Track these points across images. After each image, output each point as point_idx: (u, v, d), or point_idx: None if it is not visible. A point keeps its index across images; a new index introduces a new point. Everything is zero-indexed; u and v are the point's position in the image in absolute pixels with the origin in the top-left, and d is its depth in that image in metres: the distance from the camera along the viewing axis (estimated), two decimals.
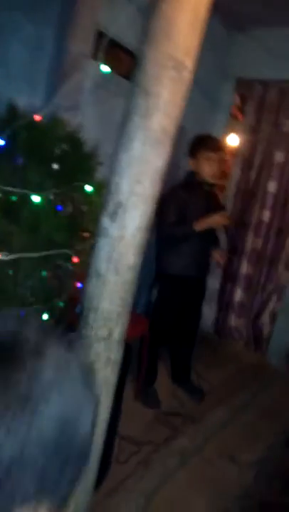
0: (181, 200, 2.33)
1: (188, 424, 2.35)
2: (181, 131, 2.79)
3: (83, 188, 1.73)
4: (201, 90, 3.37)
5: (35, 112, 1.79)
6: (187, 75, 1.08)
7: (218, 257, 2.58)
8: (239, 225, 3.28)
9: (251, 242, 3.41)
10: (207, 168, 2.34)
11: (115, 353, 1.18)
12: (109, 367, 1.17)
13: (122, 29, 2.42)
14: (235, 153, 3.64)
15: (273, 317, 3.35)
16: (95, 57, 2.46)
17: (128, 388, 2.52)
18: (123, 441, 2.11)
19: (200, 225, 2.28)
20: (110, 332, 1.15)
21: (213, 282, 3.55)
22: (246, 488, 2.17)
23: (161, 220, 2.29)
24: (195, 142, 2.40)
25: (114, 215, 1.10)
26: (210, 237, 2.49)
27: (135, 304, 3.19)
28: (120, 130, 1.10)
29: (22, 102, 1.84)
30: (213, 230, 2.50)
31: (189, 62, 1.07)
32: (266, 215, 3.33)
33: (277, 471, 2.33)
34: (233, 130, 3.77)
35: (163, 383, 2.67)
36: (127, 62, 2.73)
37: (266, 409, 2.72)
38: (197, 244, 2.39)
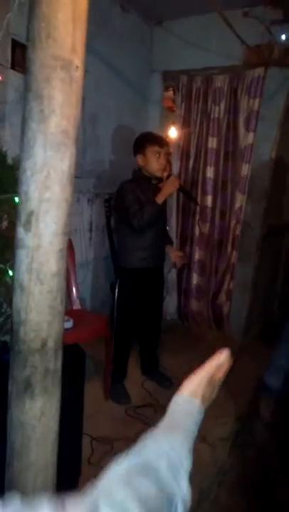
0: (135, 192, 2.32)
1: (160, 414, 2.32)
2: (120, 129, 2.72)
3: (12, 199, 1.66)
4: (131, 86, 3.34)
5: None
6: (78, 74, 1.03)
7: (176, 258, 2.62)
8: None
9: (198, 227, 3.41)
10: (155, 163, 2.33)
11: (53, 362, 1.13)
12: (48, 377, 1.12)
13: None
14: (173, 144, 3.63)
15: (229, 295, 3.38)
16: (13, 66, 2.37)
17: (98, 388, 2.48)
18: (95, 442, 2.07)
19: (159, 198, 2.26)
20: (44, 343, 1.09)
21: (171, 272, 3.54)
22: (222, 464, 2.18)
23: (124, 213, 2.29)
24: (141, 139, 2.39)
25: (27, 225, 1.04)
26: (162, 228, 2.49)
27: (96, 305, 3.12)
28: (20, 138, 1.03)
29: None
30: (163, 221, 2.50)
31: (78, 60, 1.02)
32: (208, 200, 3.34)
33: (247, 442, 2.35)
34: (169, 123, 3.75)
35: (132, 377, 2.64)
36: None
37: (231, 384, 2.73)
38: (152, 237, 2.39)
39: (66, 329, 2.20)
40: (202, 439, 2.19)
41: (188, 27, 3.29)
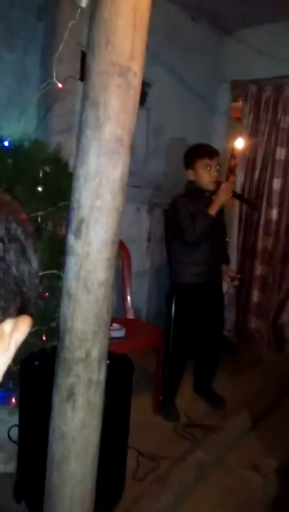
0: (188, 206, 2.27)
1: (209, 434, 2.21)
2: (184, 141, 2.69)
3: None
4: (198, 97, 3.30)
5: (26, 138, 1.77)
6: (135, 80, 1.01)
7: (229, 280, 2.53)
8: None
9: (262, 241, 3.25)
10: (206, 176, 2.27)
11: (97, 373, 1.10)
12: (91, 388, 1.09)
13: None
14: (239, 154, 3.52)
15: None
16: (82, 78, 2.45)
17: (148, 401, 2.42)
18: (141, 456, 2.01)
19: (212, 209, 2.19)
20: (88, 352, 1.07)
21: (229, 287, 3.41)
22: (273, 497, 2.01)
23: (177, 228, 2.25)
24: (190, 153, 2.35)
25: (77, 232, 1.03)
26: (218, 242, 2.40)
27: (151, 315, 3.08)
28: (76, 145, 1.03)
29: (14, 128, 1.83)
30: (220, 234, 2.42)
31: (136, 67, 1.00)
32: (274, 213, 3.18)
33: None
34: (235, 133, 3.66)
35: (184, 394, 2.55)
36: None
37: None
38: (207, 251, 2.31)
39: (118, 338, 2.20)
40: (254, 468, 2.04)
41: (259, 36, 3.19)
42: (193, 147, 2.36)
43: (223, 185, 2.22)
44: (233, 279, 2.55)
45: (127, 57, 0.98)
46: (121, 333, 2.18)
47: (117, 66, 0.96)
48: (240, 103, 3.45)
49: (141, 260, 3.05)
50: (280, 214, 3.16)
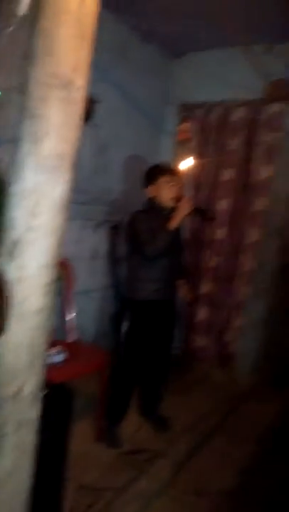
0: (148, 221, 2.24)
1: (153, 460, 2.13)
2: (132, 159, 2.66)
3: None
4: (147, 117, 3.31)
5: None
6: (79, 94, 0.94)
7: (185, 294, 2.52)
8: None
9: (208, 260, 3.28)
10: (167, 193, 2.27)
11: (30, 411, 0.99)
12: (23, 428, 0.98)
13: None
14: (186, 175, 3.57)
15: (238, 333, 3.20)
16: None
17: (90, 427, 2.30)
18: (82, 490, 1.89)
19: (172, 224, 2.17)
20: (20, 388, 0.96)
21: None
22: None
23: (138, 242, 2.20)
24: (152, 170, 2.35)
25: (11, 254, 0.94)
26: (176, 259, 2.38)
27: (99, 335, 2.98)
28: (10, 159, 0.94)
29: None
30: (178, 251, 2.41)
31: (80, 81, 0.94)
32: (220, 232, 3.22)
33: (252, 496, 2.13)
34: (183, 154, 3.70)
35: (128, 418, 2.46)
36: None
37: (236, 431, 2.54)
38: (165, 267, 2.28)
39: (57, 363, 2.08)
40: (199, 492, 1.98)
41: (208, 60, 3.28)
42: (154, 165, 2.39)
43: (183, 200, 2.22)
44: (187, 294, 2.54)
45: (70, 70, 0.91)
46: (60, 358, 2.07)
47: (58, 78, 0.90)
48: (187, 125, 3.51)
49: (86, 279, 2.95)
50: (227, 232, 3.21)
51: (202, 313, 3.34)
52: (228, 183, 3.19)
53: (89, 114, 2.83)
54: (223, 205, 3.21)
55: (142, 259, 2.22)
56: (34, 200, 0.92)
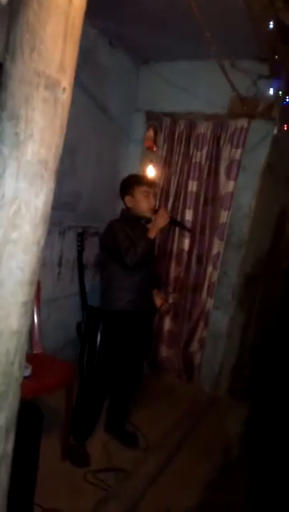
0: (125, 230, 2.18)
1: (121, 480, 2.04)
2: (99, 163, 2.58)
3: None
4: (114, 122, 3.25)
5: None
6: (65, 96, 0.86)
7: (160, 301, 2.43)
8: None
9: (174, 270, 3.26)
10: (145, 203, 2.24)
11: (3, 444, 0.89)
12: None
13: None
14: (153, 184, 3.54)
15: (202, 344, 3.19)
16: None
17: (56, 445, 2.17)
18: None
19: (151, 233, 2.14)
20: None
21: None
22: None
23: (116, 251, 2.12)
24: (129, 180, 2.31)
25: None
26: (151, 269, 2.32)
27: (59, 346, 2.84)
28: None
29: None
30: (152, 261, 2.35)
31: (66, 82, 0.86)
32: (186, 243, 3.21)
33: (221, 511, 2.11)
34: (149, 162, 3.67)
35: (95, 434, 2.35)
36: None
37: (201, 445, 2.51)
38: (141, 277, 2.22)
39: (23, 377, 1.94)
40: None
41: (175, 70, 3.28)
42: (131, 175, 2.37)
43: (161, 211, 2.20)
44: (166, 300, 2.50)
45: (56, 69, 0.83)
46: (27, 372, 1.93)
47: (43, 77, 0.81)
48: (152, 132, 3.48)
49: (51, 287, 2.82)
50: (191, 244, 3.20)
51: (167, 324, 3.30)
52: (193, 194, 3.20)
53: None
54: (188, 215, 3.21)
55: (121, 268, 2.15)
56: (14, 209, 0.82)
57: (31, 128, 0.81)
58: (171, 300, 3.23)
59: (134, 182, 2.27)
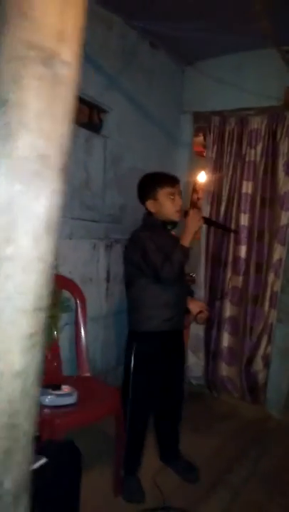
0: (153, 240, 1.92)
1: None
2: (145, 172, 2.43)
3: None
4: (159, 127, 3.07)
5: None
6: (68, 72, 0.68)
7: (198, 309, 2.13)
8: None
9: (230, 280, 2.97)
10: (171, 206, 1.96)
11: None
12: None
13: None
14: (203, 189, 3.30)
15: (267, 361, 2.86)
16: None
17: (106, 480, 1.98)
18: None
19: (186, 240, 1.87)
20: None
21: (197, 328, 3.08)
22: None
23: (145, 266, 1.89)
24: (149, 182, 2.02)
25: None
26: (184, 280, 2.07)
27: (109, 368, 2.67)
28: None
29: None
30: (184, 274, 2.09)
31: (68, 53, 0.67)
32: (242, 250, 2.92)
33: None
34: (199, 166, 3.44)
35: (149, 465, 2.12)
36: None
37: (271, 479, 2.18)
38: (177, 291, 1.97)
39: (68, 406, 1.78)
40: None
41: (222, 66, 3.05)
42: (150, 175, 2.05)
43: (191, 213, 1.91)
44: (203, 310, 2.17)
45: (53, 39, 0.65)
46: (72, 399, 1.76)
47: (37, 49, 0.64)
48: (202, 138, 3.26)
49: (99, 303, 2.66)
50: (248, 251, 2.90)
51: (226, 340, 3.01)
52: (248, 196, 2.91)
53: (98, 125, 2.61)
54: (243, 220, 2.92)
55: (152, 282, 1.91)
56: (9, 218, 0.65)
57: (24, 115, 0.64)
58: (225, 314, 2.94)
59: (155, 183, 1.98)
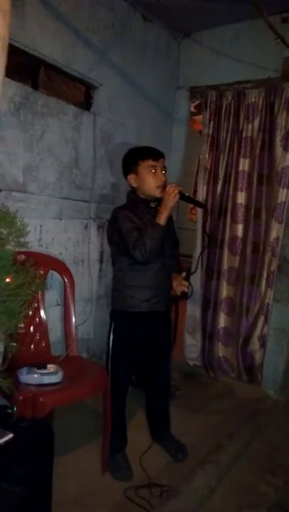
0: (131, 219, 1.90)
1: (167, 499, 1.80)
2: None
3: None
4: (154, 103, 2.99)
5: None
6: None
7: (179, 287, 2.03)
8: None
9: (227, 260, 2.93)
10: (151, 180, 1.90)
11: None
12: None
13: (37, 39, 2.05)
14: (198, 166, 3.23)
15: (263, 341, 2.83)
16: (8, 74, 2.08)
17: (93, 458, 2.00)
18: None
19: (160, 217, 1.80)
20: None
21: (193, 309, 3.07)
22: None
23: (122, 244, 1.87)
24: (131, 155, 1.98)
25: None
26: (168, 259, 2.01)
27: (105, 345, 2.67)
28: None
29: None
30: (169, 249, 2.03)
31: None
32: (239, 229, 2.86)
33: None
34: (196, 143, 3.36)
35: (138, 443, 2.14)
36: (54, 78, 2.35)
37: (262, 458, 2.18)
38: (156, 271, 1.94)
39: (52, 384, 1.79)
40: None
41: (218, 38, 2.94)
42: (133, 149, 1.99)
43: (167, 188, 1.82)
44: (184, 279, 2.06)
45: None
46: (57, 378, 1.77)
47: None
48: (200, 116, 3.17)
49: (92, 284, 2.66)
50: (245, 230, 2.84)
51: (222, 320, 2.98)
52: (245, 174, 2.83)
53: (88, 101, 2.54)
54: (240, 198, 2.85)
55: (129, 263, 1.89)
56: None
57: None
58: (221, 295, 2.91)
59: (136, 156, 1.92)
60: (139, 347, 2.02)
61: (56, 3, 2.12)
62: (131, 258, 1.86)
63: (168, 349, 2.19)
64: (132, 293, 1.93)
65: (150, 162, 1.89)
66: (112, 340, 1.97)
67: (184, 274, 2.08)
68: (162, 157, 1.94)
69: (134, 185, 1.95)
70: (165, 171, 1.96)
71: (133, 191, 1.99)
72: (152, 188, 1.90)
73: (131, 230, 1.84)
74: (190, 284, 2.04)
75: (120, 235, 1.86)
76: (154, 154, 1.91)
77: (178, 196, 1.81)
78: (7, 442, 1.02)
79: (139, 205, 1.95)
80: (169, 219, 1.89)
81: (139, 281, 1.92)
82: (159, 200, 1.92)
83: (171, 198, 1.80)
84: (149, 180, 1.90)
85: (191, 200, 2.06)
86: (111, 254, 2.04)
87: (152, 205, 1.95)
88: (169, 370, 2.19)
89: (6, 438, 1.03)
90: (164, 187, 1.87)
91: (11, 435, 1.04)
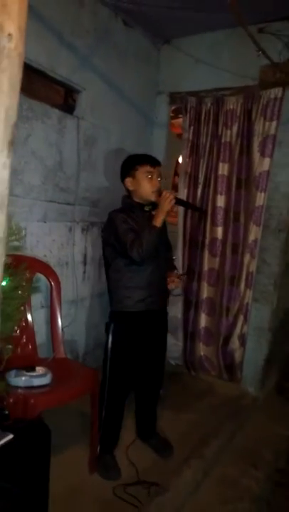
0: (127, 221, 1.97)
1: (155, 494, 1.85)
2: (120, 153, 2.42)
3: None
4: (135, 108, 3.04)
5: None
6: (11, 45, 0.67)
7: (171, 283, 2.14)
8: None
9: (208, 262, 3.01)
10: (148, 185, 2.00)
11: None
12: None
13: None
14: (178, 171, 3.30)
15: (243, 340, 2.92)
16: None
17: (84, 456, 2.02)
18: None
19: (156, 220, 1.91)
20: None
21: (175, 310, 3.13)
22: None
23: (119, 246, 1.94)
24: (130, 160, 2.08)
25: None
26: (163, 261, 2.09)
27: (89, 348, 2.70)
28: None
29: None
30: (164, 252, 2.12)
31: (12, 26, 0.66)
32: (219, 232, 2.95)
33: None
34: (176, 148, 3.43)
35: (125, 442, 2.18)
36: (34, 81, 2.36)
37: (245, 453, 2.26)
38: (151, 272, 2.01)
39: (42, 386, 1.80)
40: None
41: (198, 45, 3.02)
42: (133, 155, 2.12)
43: (164, 193, 1.94)
44: (179, 277, 2.19)
45: None
46: (46, 380, 1.79)
47: None
48: (180, 119, 3.24)
49: (77, 286, 2.67)
50: (225, 232, 2.94)
51: (203, 320, 3.06)
52: (225, 177, 2.92)
53: (71, 105, 2.57)
54: (219, 201, 2.94)
55: (125, 264, 1.96)
56: None
57: None
58: (202, 295, 2.99)
59: (135, 161, 2.03)
60: (137, 347, 2.06)
61: (41, 7, 2.14)
62: (127, 258, 1.92)
63: (163, 349, 2.24)
64: (128, 293, 1.99)
65: (148, 168, 1.99)
66: (112, 341, 2.01)
67: (176, 271, 2.19)
68: (159, 165, 2.05)
69: (131, 188, 2.03)
70: (160, 179, 2.05)
71: (128, 196, 2.07)
72: (148, 192, 2.00)
73: (127, 231, 1.91)
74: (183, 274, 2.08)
75: (117, 236, 1.93)
76: (151, 161, 2.03)
77: (173, 201, 1.91)
78: (7, 443, 1.04)
79: (134, 209, 2.03)
80: (164, 226, 2.00)
81: (135, 281, 1.98)
82: (153, 204, 2.01)
83: (167, 203, 1.90)
84: (145, 184, 2.00)
85: (188, 204, 2.17)
86: (106, 256, 2.10)
87: (147, 208, 2.04)
88: (163, 371, 2.25)
89: (7, 439, 1.05)
90: (159, 192, 1.97)
91: (11, 436, 1.06)
